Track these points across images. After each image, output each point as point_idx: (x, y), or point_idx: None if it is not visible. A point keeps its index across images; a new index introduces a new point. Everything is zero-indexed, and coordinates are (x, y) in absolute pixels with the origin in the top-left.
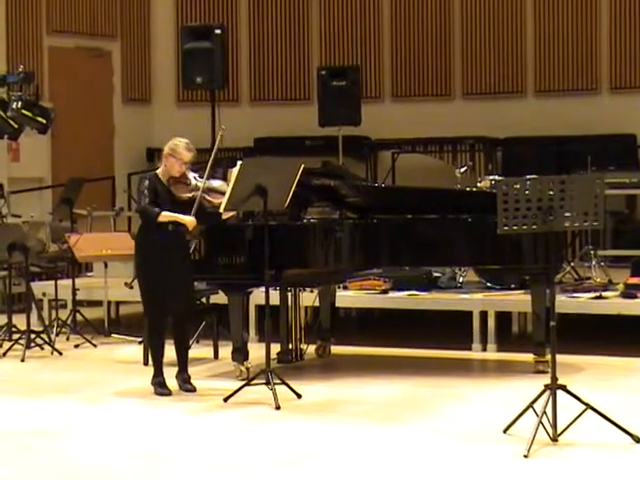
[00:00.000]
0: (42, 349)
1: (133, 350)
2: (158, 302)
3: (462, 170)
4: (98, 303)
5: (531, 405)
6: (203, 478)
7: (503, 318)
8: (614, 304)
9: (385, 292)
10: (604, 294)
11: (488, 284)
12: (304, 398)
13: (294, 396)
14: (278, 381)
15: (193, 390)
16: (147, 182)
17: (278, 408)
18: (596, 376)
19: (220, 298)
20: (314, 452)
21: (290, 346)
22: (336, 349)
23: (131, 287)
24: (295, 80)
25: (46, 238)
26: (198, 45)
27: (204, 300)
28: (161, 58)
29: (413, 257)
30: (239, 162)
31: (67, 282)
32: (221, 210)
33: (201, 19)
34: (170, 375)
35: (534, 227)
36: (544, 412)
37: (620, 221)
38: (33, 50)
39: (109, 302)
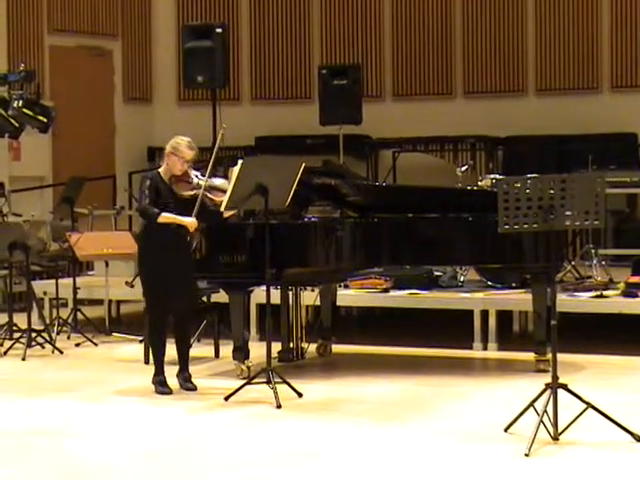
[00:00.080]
0: (43, 348)
1: (134, 349)
2: (160, 301)
3: (463, 169)
4: (99, 302)
5: (532, 404)
6: (204, 477)
7: (504, 317)
8: (615, 303)
9: (386, 291)
10: (605, 293)
11: (489, 283)
12: (305, 397)
13: (295, 395)
14: (279, 380)
15: (194, 389)
16: (148, 182)
17: (279, 407)
18: (597, 375)
19: (221, 297)
20: (315, 451)
21: (291, 345)
22: (337, 348)
23: (132, 286)
24: (296, 79)
25: (47, 237)
26: (199, 44)
27: (205, 299)
28: (162, 57)
29: (414, 256)
30: (240, 161)
31: (68, 281)
32: (222, 209)
33: (202, 18)
34: (171, 374)
35: (535, 226)
36: (545, 411)
37: (621, 220)
38: (34, 49)
39: (110, 301)
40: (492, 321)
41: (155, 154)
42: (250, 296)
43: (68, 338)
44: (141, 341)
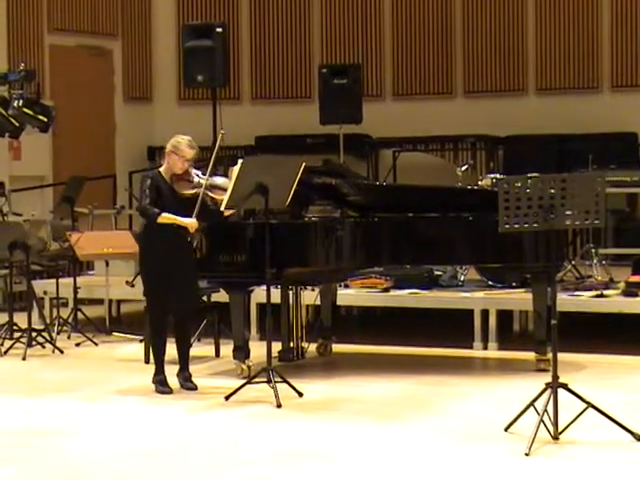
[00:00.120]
0: (43, 347)
1: (134, 348)
2: (161, 300)
3: (463, 168)
4: (99, 301)
5: (532, 403)
6: (204, 476)
7: (504, 316)
8: (615, 302)
9: (386, 290)
10: (605, 292)
11: (489, 282)
12: (305, 396)
13: (295, 394)
14: (279, 379)
15: (194, 388)
16: (149, 181)
17: (279, 406)
18: (597, 374)
19: (221, 296)
20: (315, 450)
21: (291, 344)
22: (337, 347)
23: (132, 285)
24: (296, 78)
25: (47, 236)
26: (199, 43)
27: (205, 298)
28: (162, 56)
29: (414, 255)
30: (240, 160)
31: (68, 280)
32: (222, 208)
33: (202, 17)
34: (171, 373)
35: (535, 225)
36: (545, 410)
37: (621, 219)
38: (34, 48)
39: (110, 300)
40: (492, 320)
41: (155, 153)
42: (250, 296)
43: (68, 338)
44: (141, 341)
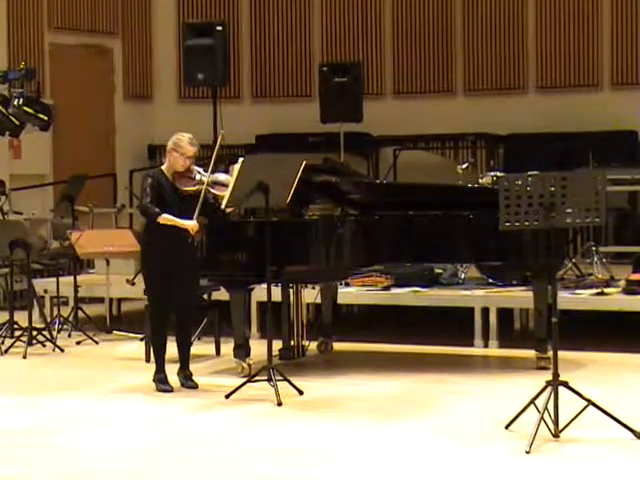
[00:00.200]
0: (44, 346)
1: (135, 347)
2: (162, 299)
3: (464, 166)
4: (100, 300)
5: (533, 401)
6: (204, 475)
7: (505, 314)
8: (616, 300)
9: (387, 288)
10: (606, 290)
11: (490, 280)
12: (306, 395)
13: (296, 393)
14: (280, 378)
15: (195, 387)
16: (150, 179)
17: (280, 405)
18: (598, 372)
19: (222, 295)
20: (316, 448)
21: (292, 343)
22: (338, 345)
23: (133, 284)
24: (296, 77)
25: (47, 235)
26: (199, 42)
27: (206, 297)
28: (162, 55)
29: (415, 253)
30: (241, 159)
31: (69, 279)
32: (222, 206)
33: (202, 16)
34: (172, 372)
35: (536, 223)
36: (546, 408)
37: (622, 217)
38: (34, 47)
39: (111, 299)
40: (493, 318)
41: (155, 152)
42: (251, 294)
43: (69, 336)
44: (142, 339)
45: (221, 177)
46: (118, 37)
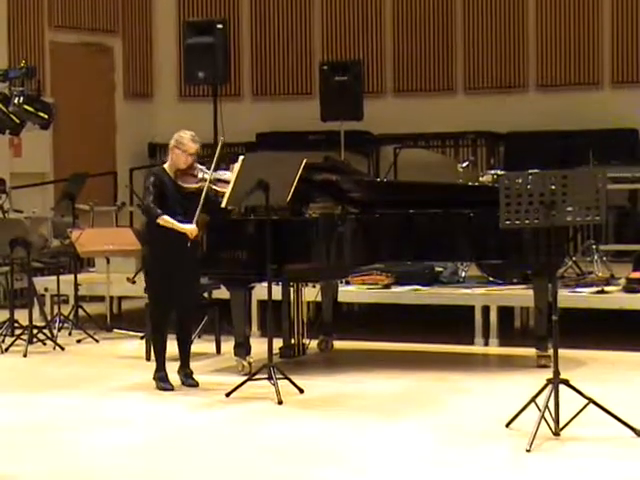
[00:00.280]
0: (44, 344)
1: (135, 345)
2: (163, 297)
3: (464, 165)
4: (100, 298)
5: (533, 399)
6: (204, 473)
7: (505, 313)
8: (616, 299)
9: (387, 287)
10: (606, 289)
11: (490, 279)
12: (306, 393)
13: (296, 391)
14: (280, 376)
15: (195, 385)
16: (152, 178)
17: (280, 403)
18: (598, 370)
19: (222, 293)
20: (316, 447)
21: (292, 341)
22: (338, 344)
23: (133, 282)
24: (297, 75)
25: (48, 233)
26: (200, 40)
27: (206, 295)
28: (163, 53)
29: (415, 252)
30: (241, 157)
31: (69, 277)
32: (223, 205)
33: (203, 14)
34: (172, 370)
35: (536, 222)
36: (546, 406)
37: (622, 216)
38: (35, 45)
39: (111, 297)
40: (493, 317)
41: (156, 150)
42: (251, 292)
43: (69, 335)
44: (142, 337)
45: (224, 174)
46: (118, 35)
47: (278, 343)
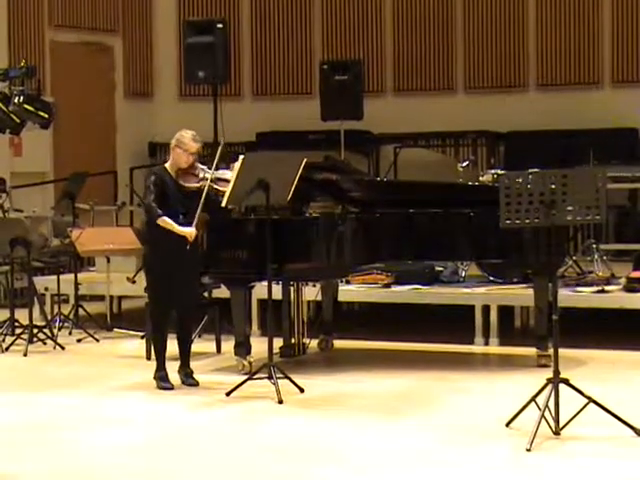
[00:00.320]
0: (44, 344)
1: (135, 345)
2: (163, 296)
3: (464, 164)
4: (100, 298)
5: (533, 399)
6: (205, 472)
7: (505, 312)
8: (616, 298)
9: (388, 286)
10: (606, 288)
11: (490, 278)
12: (307, 392)
13: (297, 390)
14: (281, 375)
15: (195, 384)
16: (153, 177)
17: (281, 402)
18: (598, 370)
19: (222, 292)
20: (317, 446)
21: (293, 340)
22: (338, 343)
23: (133, 282)
24: (297, 74)
25: (48, 233)
26: (200, 39)
27: (207, 294)
28: (163, 53)
29: (415, 251)
30: (241, 156)
31: (69, 277)
32: (223, 204)
33: (203, 13)
34: (173, 369)
35: (536, 221)
36: (546, 406)
37: (622, 215)
38: (35, 44)
39: (111, 297)
40: (493, 316)
41: (156, 150)
42: (251, 292)
43: (69, 334)
44: (142, 337)
45: (225, 174)
46: (119, 35)
47: (278, 342)
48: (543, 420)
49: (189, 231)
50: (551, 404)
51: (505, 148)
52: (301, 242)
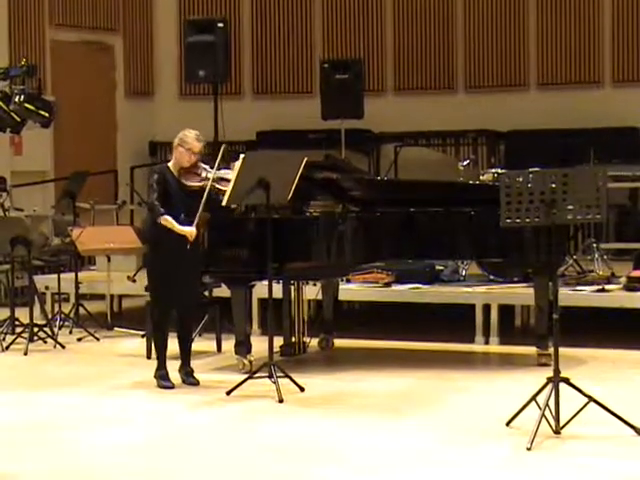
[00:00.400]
0: (45, 343)
1: (136, 343)
2: (165, 295)
3: (465, 163)
4: (101, 297)
5: (534, 398)
6: (205, 471)
7: (506, 311)
8: (617, 297)
9: (388, 285)
10: (607, 287)
11: (491, 277)
12: (307, 391)
13: (297, 389)
14: (281, 374)
15: (196, 383)
16: (156, 176)
17: (281, 401)
18: (599, 369)
19: (223, 291)
20: (317, 445)
21: (293, 339)
22: (339, 342)
23: (134, 281)
24: (298, 73)
25: (49, 232)
26: (201, 38)
27: (207, 293)
28: (163, 51)
29: (416, 250)
30: (242, 155)
31: (70, 276)
32: (224, 204)
33: (203, 12)
34: (173, 368)
35: (537, 220)
36: (547, 405)
37: (623, 214)
38: (36, 43)
39: (112, 295)
40: (494, 315)
41: (157, 149)
42: (252, 291)
43: (70, 333)
44: (143, 336)
45: (227, 174)
46: (119, 34)
47: (279, 341)
48: (543, 419)
49: (189, 230)
50: (551, 403)
51: (505, 147)
52: (301, 241)
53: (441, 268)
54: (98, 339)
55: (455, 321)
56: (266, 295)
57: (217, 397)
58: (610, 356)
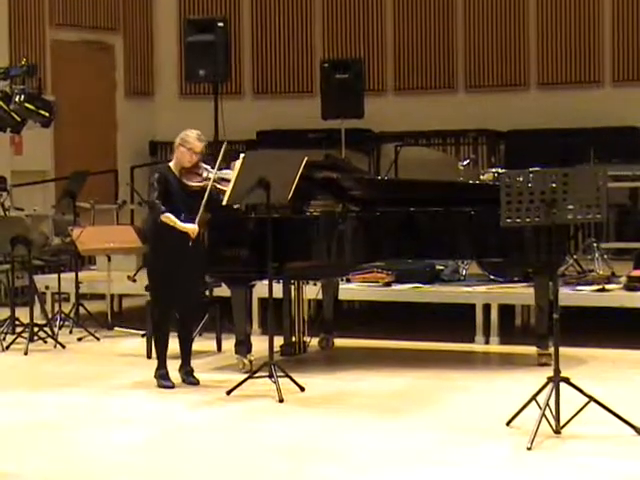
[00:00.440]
0: (45, 342)
1: (136, 343)
2: (165, 295)
3: (465, 163)
4: (101, 296)
5: (534, 397)
6: (205, 471)
7: (506, 311)
8: (617, 297)
9: (388, 285)
10: (607, 287)
11: (491, 277)
12: (307, 391)
13: (297, 389)
14: (281, 374)
15: (196, 383)
16: (157, 175)
17: (281, 401)
18: (599, 368)
19: (223, 291)
20: (317, 445)
21: (293, 339)
22: (339, 342)
23: (134, 280)
24: (298, 73)
25: (49, 231)
26: (201, 38)
27: (207, 293)
28: (164, 51)
29: (416, 250)
30: (242, 155)
31: (70, 275)
32: (224, 203)
33: (204, 12)
34: (173, 368)
35: (537, 220)
36: (547, 404)
37: (623, 214)
38: (36, 43)
39: (112, 295)
40: (494, 315)
41: (157, 148)
42: (252, 290)
43: (70, 332)
44: (143, 335)
45: (228, 174)
46: (119, 33)
47: (279, 341)
48: (544, 419)
49: (192, 227)
50: (552, 403)
51: (506, 147)
52: (302, 241)
53: (441, 268)
54: (98, 339)
55: (455, 321)
56: (266, 295)
57: (217, 397)
58: (610, 356)
